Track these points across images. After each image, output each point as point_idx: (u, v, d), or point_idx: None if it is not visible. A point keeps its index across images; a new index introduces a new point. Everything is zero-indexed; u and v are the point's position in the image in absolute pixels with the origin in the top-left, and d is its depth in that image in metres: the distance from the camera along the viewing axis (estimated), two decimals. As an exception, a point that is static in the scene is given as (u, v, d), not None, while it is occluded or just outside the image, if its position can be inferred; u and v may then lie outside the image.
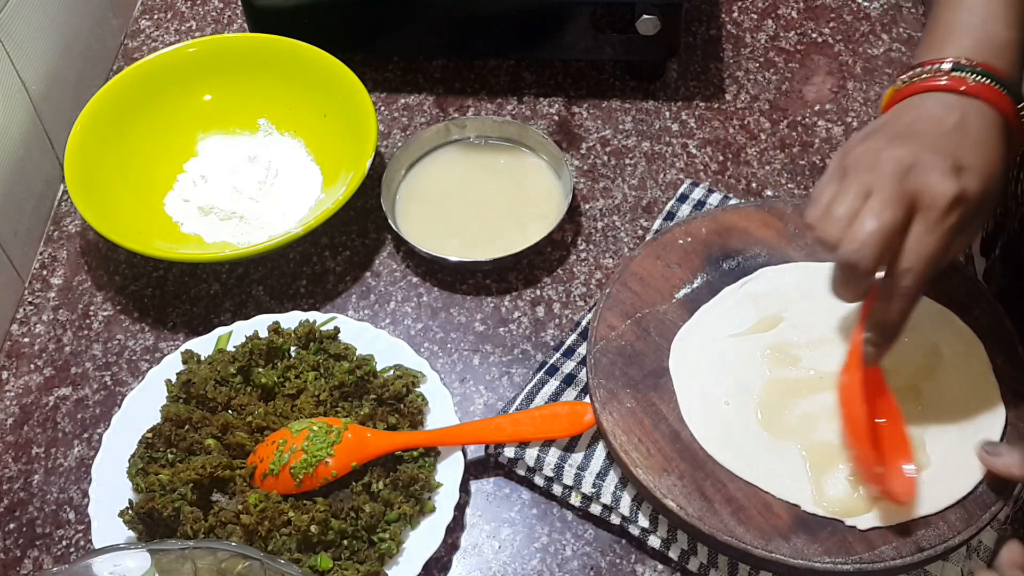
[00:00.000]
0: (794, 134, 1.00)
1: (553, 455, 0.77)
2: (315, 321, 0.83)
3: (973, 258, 0.93)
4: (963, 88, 0.67)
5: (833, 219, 0.64)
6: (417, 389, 0.80)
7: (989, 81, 0.68)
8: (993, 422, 0.72)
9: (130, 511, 0.73)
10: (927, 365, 0.75)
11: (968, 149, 0.65)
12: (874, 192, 0.64)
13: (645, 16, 0.96)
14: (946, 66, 0.69)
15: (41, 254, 0.95)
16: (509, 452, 0.77)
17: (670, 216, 0.91)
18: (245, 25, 1.07)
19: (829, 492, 0.70)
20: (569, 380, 0.81)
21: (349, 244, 0.94)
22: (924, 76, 0.69)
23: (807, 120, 1.02)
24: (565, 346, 0.83)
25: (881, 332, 0.67)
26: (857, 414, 0.68)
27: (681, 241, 0.84)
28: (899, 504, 0.68)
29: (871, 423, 0.69)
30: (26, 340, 0.89)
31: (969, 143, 0.66)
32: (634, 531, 0.75)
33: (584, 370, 0.80)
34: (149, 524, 0.72)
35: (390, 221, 0.91)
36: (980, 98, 0.67)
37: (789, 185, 0.97)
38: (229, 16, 1.13)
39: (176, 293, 0.91)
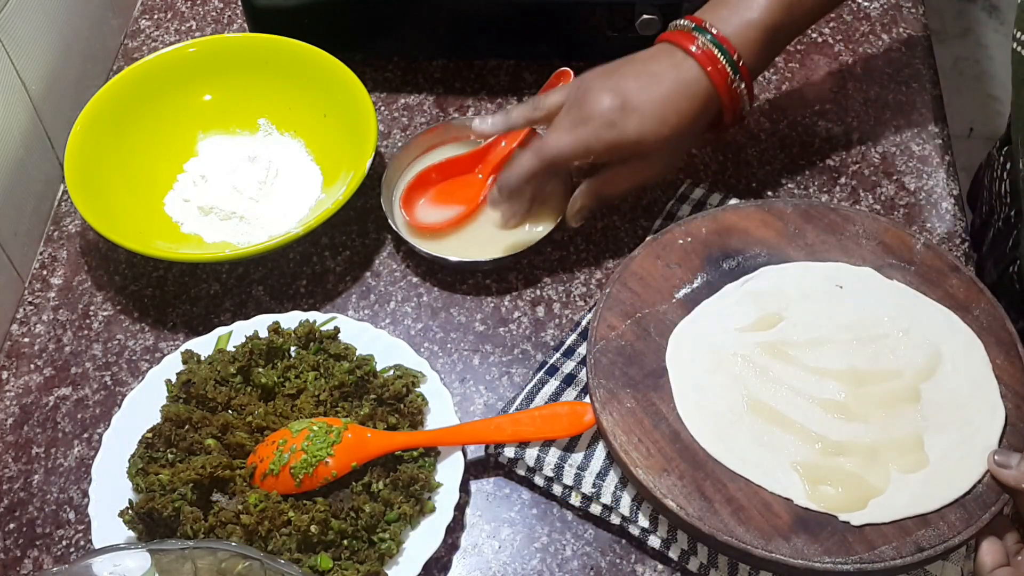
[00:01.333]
0: (794, 134, 1.00)
1: (553, 455, 0.77)
2: (315, 321, 0.83)
3: (973, 257, 0.93)
4: (689, 47, 0.80)
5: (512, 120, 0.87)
6: (417, 389, 0.80)
7: (714, 49, 0.80)
8: (993, 422, 0.72)
9: (130, 511, 0.73)
10: (927, 365, 0.75)
11: (646, 95, 0.79)
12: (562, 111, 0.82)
13: (645, 16, 0.96)
14: (691, 24, 0.82)
15: (41, 254, 0.95)
16: (509, 452, 0.77)
17: (670, 216, 0.92)
18: (245, 25, 1.07)
19: (823, 487, 0.70)
20: (569, 380, 0.81)
21: (349, 244, 0.94)
22: (677, 28, 0.83)
23: (807, 120, 1.02)
24: (565, 346, 0.83)
25: (500, 188, 0.85)
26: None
27: (681, 241, 0.84)
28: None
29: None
30: (26, 340, 0.89)
31: (653, 91, 0.80)
32: (634, 531, 0.75)
33: (584, 370, 0.80)
34: (149, 524, 0.72)
35: (390, 221, 0.91)
36: (699, 62, 0.80)
37: (789, 185, 0.97)
38: (229, 16, 1.13)
39: (176, 293, 0.91)
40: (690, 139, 0.85)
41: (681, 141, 0.83)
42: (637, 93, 0.80)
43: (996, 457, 0.69)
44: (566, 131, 0.81)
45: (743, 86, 0.81)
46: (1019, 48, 0.78)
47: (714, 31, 0.81)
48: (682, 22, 0.83)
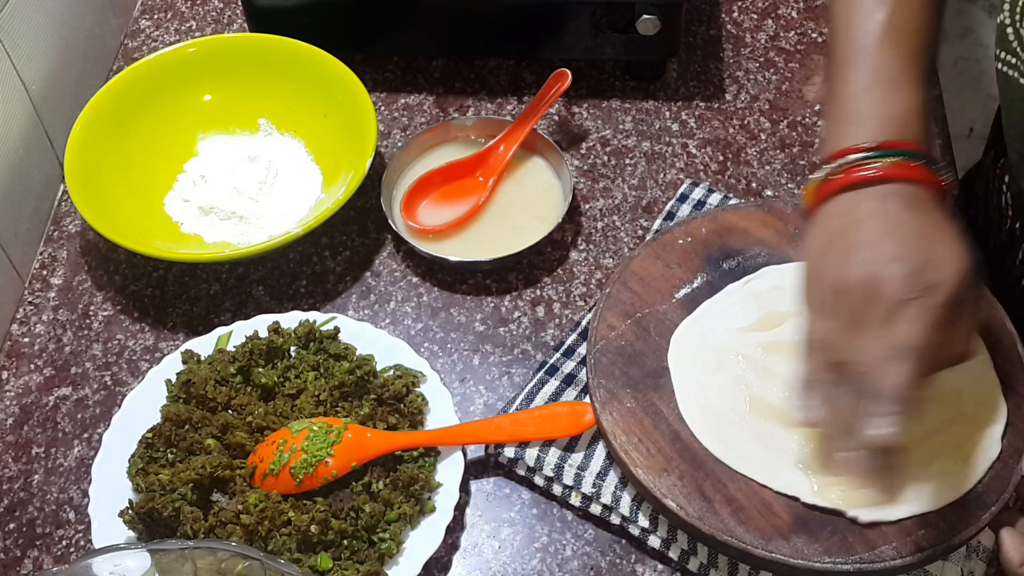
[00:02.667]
0: (794, 134, 1.00)
1: (553, 455, 0.77)
2: (315, 321, 0.83)
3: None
4: (884, 174, 0.66)
5: (841, 361, 0.64)
6: (417, 389, 0.80)
7: (904, 159, 0.66)
8: (995, 420, 0.72)
9: (130, 511, 0.73)
10: None
11: (916, 243, 0.64)
12: (864, 322, 0.63)
13: (645, 16, 0.96)
14: (857, 155, 0.67)
15: (41, 254, 0.95)
16: (509, 452, 0.77)
17: (670, 216, 0.92)
18: (245, 25, 1.07)
19: (830, 485, 0.70)
20: (569, 380, 0.81)
21: (349, 244, 0.94)
22: (839, 170, 0.67)
23: (807, 120, 1.02)
24: (565, 346, 0.83)
25: (892, 399, 0.62)
26: None
27: (681, 241, 0.84)
28: None
29: None
30: (26, 340, 0.89)
31: (913, 238, 0.64)
32: (634, 531, 0.75)
33: (584, 370, 0.80)
34: (149, 524, 0.72)
35: (390, 221, 0.91)
36: (902, 180, 0.66)
37: (789, 185, 0.97)
38: (229, 16, 1.13)
39: (176, 293, 0.91)
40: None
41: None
42: (906, 246, 0.64)
43: None
44: (909, 322, 0.62)
45: (937, 166, 0.68)
46: (1004, 68, 0.77)
47: (879, 142, 0.67)
48: (841, 161, 0.68)
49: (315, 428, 0.75)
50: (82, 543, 0.78)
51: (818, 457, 0.71)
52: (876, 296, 0.63)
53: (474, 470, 0.80)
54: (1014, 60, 0.75)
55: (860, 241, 0.65)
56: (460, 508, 0.77)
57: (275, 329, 0.83)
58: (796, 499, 0.70)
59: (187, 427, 0.76)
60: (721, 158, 0.99)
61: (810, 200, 0.69)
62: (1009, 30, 0.75)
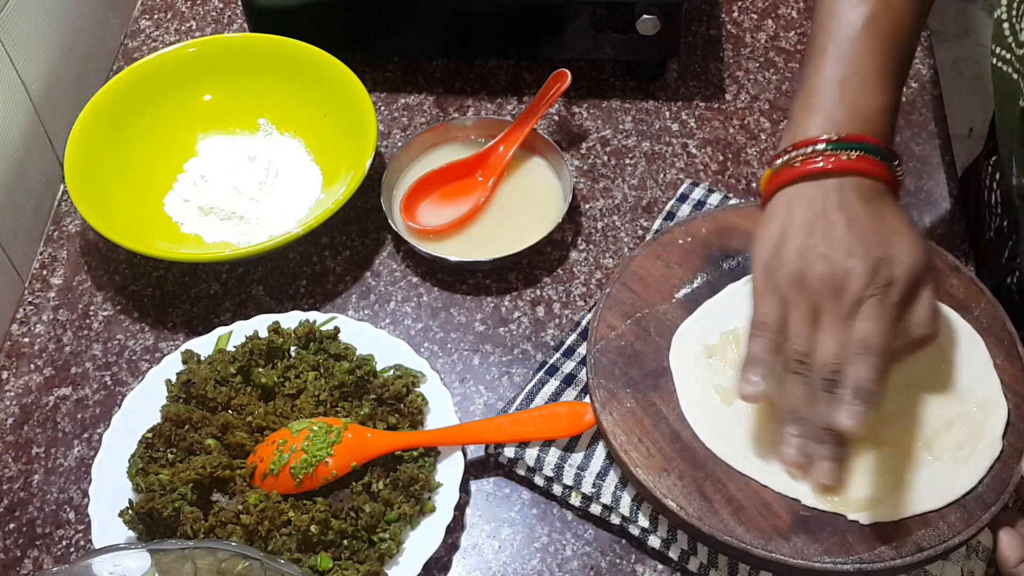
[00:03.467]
0: (794, 134, 1.00)
1: (553, 455, 0.77)
2: (315, 321, 0.83)
3: (974, 259, 0.93)
4: (843, 167, 0.68)
5: (799, 352, 0.66)
6: (417, 389, 0.80)
7: (863, 152, 0.68)
8: (995, 420, 0.72)
9: (130, 511, 0.73)
10: (929, 364, 0.75)
11: (874, 238, 0.67)
12: (822, 316, 0.66)
13: (645, 16, 0.96)
14: (820, 146, 0.69)
15: (41, 254, 0.95)
16: (509, 452, 0.77)
17: (670, 216, 0.92)
18: (245, 25, 1.07)
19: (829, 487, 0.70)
20: (569, 380, 0.81)
21: (349, 244, 0.94)
22: (799, 159, 0.69)
23: (807, 120, 1.01)
24: (565, 346, 0.83)
25: (860, 395, 0.65)
26: None
27: (681, 241, 0.84)
28: None
29: None
30: (26, 340, 0.89)
31: (871, 232, 0.67)
32: (634, 531, 0.75)
33: (584, 370, 0.80)
34: (149, 524, 0.72)
35: (390, 221, 0.91)
36: (861, 173, 0.68)
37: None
38: (229, 16, 1.13)
39: (176, 293, 0.91)
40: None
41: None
42: (864, 240, 0.66)
43: None
44: (868, 320, 0.65)
45: (895, 164, 0.71)
46: (999, 64, 0.77)
47: (842, 135, 0.69)
48: (803, 150, 0.69)
49: (315, 428, 0.75)
50: (82, 543, 0.78)
51: (764, 439, 0.71)
52: (838, 291, 0.65)
53: (474, 470, 0.80)
54: (1008, 55, 0.75)
55: (821, 234, 0.67)
56: (460, 508, 0.77)
57: (275, 329, 0.83)
58: (797, 500, 0.70)
59: (187, 427, 0.76)
60: (721, 158, 0.99)
61: (768, 186, 0.72)
62: (1005, 25, 0.75)
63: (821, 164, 0.68)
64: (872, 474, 0.70)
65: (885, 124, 0.70)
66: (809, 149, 0.69)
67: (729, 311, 0.79)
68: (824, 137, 0.69)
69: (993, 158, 0.93)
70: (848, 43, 0.71)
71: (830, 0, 0.72)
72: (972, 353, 0.76)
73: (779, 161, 0.71)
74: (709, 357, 0.76)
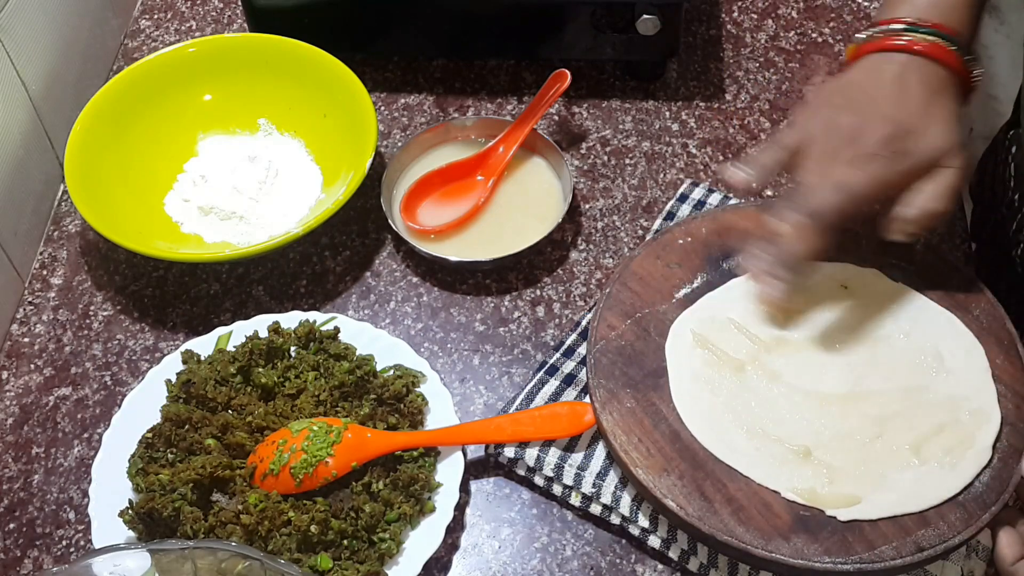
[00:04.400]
0: (794, 134, 1.00)
1: (553, 455, 0.77)
2: (315, 321, 0.83)
3: (973, 256, 0.93)
4: (914, 48, 0.73)
5: (807, 183, 0.73)
6: (417, 389, 0.80)
7: (937, 39, 0.73)
8: (988, 427, 0.72)
9: (130, 511, 0.73)
10: (925, 367, 0.75)
11: (913, 113, 0.72)
12: (834, 155, 0.72)
13: (645, 16, 0.96)
14: (898, 26, 0.75)
15: (41, 254, 0.95)
16: (509, 452, 0.77)
17: (670, 216, 0.92)
18: (245, 25, 1.07)
19: (810, 482, 0.70)
20: (569, 380, 0.81)
21: (349, 244, 0.94)
22: (878, 35, 0.75)
23: (807, 120, 1.02)
24: (565, 346, 0.83)
25: (808, 214, 0.72)
26: None
27: (681, 241, 0.84)
28: None
29: None
30: (26, 340, 0.89)
31: (913, 108, 0.72)
32: (634, 531, 0.75)
33: (584, 370, 0.80)
34: (149, 524, 0.72)
35: (390, 221, 0.91)
36: (929, 56, 0.73)
37: (789, 185, 0.96)
38: (229, 16, 1.13)
39: (176, 293, 0.91)
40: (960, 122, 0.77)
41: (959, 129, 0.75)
42: (903, 111, 0.72)
43: None
44: (857, 167, 0.71)
45: (968, 56, 0.75)
46: None
47: (921, 20, 0.74)
48: (883, 28, 0.75)
49: (315, 428, 0.75)
50: (82, 543, 0.78)
51: (802, 454, 0.72)
52: (853, 141, 0.71)
53: (474, 470, 0.80)
54: None
55: (868, 95, 0.73)
56: (460, 508, 0.77)
57: (275, 329, 0.83)
58: (777, 493, 0.70)
59: (187, 427, 0.76)
60: (721, 158, 0.99)
61: (848, 56, 0.78)
62: None
63: (896, 42, 0.74)
64: (855, 472, 0.70)
65: (965, 15, 0.75)
66: (888, 28, 0.75)
67: (735, 303, 0.79)
68: (904, 19, 0.74)
69: (1012, 132, 0.94)
70: None
71: None
72: (970, 361, 0.76)
73: (860, 35, 0.77)
74: (702, 348, 0.77)
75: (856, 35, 0.78)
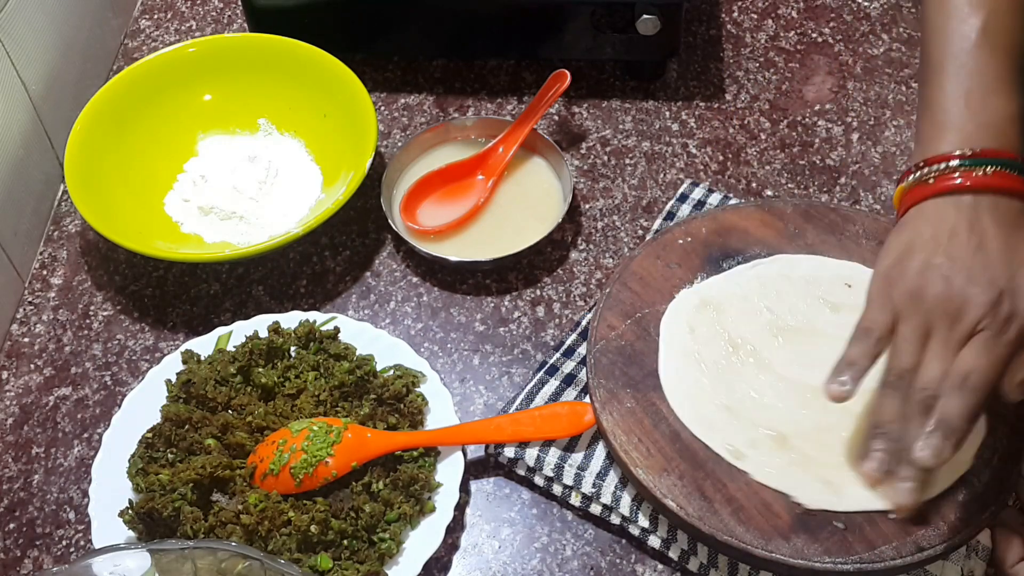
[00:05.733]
0: (794, 134, 1.00)
1: (553, 455, 0.77)
2: (315, 321, 0.83)
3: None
4: (978, 184, 0.66)
5: (902, 368, 0.65)
6: (417, 389, 0.80)
7: (1000, 168, 0.66)
8: (970, 441, 0.71)
9: (130, 511, 0.73)
10: None
11: (1001, 265, 0.65)
12: (932, 337, 0.65)
13: (645, 16, 0.96)
14: (953, 163, 0.67)
15: (41, 254, 0.95)
16: (509, 452, 0.77)
17: (670, 216, 0.92)
18: (245, 25, 1.07)
19: (785, 467, 0.71)
20: (569, 380, 0.81)
21: (349, 244, 0.94)
22: (933, 175, 0.68)
23: (807, 120, 1.02)
24: (565, 346, 0.83)
25: (944, 429, 0.64)
26: None
27: (681, 241, 0.84)
28: None
29: None
30: (26, 340, 0.89)
31: (998, 259, 0.65)
32: (634, 531, 0.75)
33: (584, 370, 0.80)
34: (149, 524, 0.72)
35: (390, 221, 0.91)
36: (997, 191, 0.66)
37: (789, 185, 0.96)
38: (229, 16, 1.13)
39: (176, 293, 0.91)
40: None
41: None
42: (992, 267, 0.65)
43: None
44: (977, 351, 0.64)
45: None
46: None
47: (976, 150, 0.67)
48: (935, 167, 0.68)
49: (315, 428, 0.75)
50: (82, 543, 0.78)
51: (777, 440, 0.72)
52: (954, 315, 0.64)
53: (474, 470, 0.80)
54: None
55: (946, 253, 0.65)
56: (460, 508, 0.77)
57: (275, 329, 0.83)
58: (745, 473, 0.70)
59: (187, 427, 0.76)
60: (721, 158, 0.99)
61: (902, 203, 0.70)
62: None
63: (957, 181, 0.66)
64: (829, 463, 0.71)
65: (1016, 133, 0.68)
66: (943, 166, 0.67)
67: (735, 292, 0.79)
68: (958, 153, 0.67)
69: None
70: (966, 56, 0.69)
71: (939, 18, 0.71)
72: None
73: (912, 177, 0.69)
74: (698, 325, 0.77)
75: (906, 178, 0.70)
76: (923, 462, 0.64)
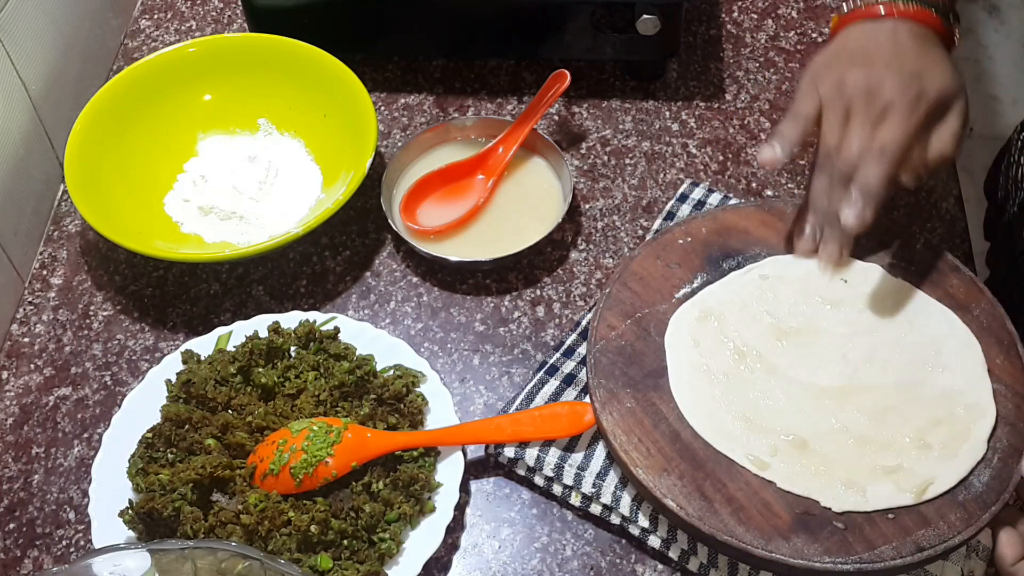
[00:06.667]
0: (794, 134, 1.00)
1: (553, 455, 0.77)
2: (315, 321, 0.83)
3: (973, 259, 0.93)
4: (898, 13, 0.78)
5: (828, 147, 0.76)
6: (417, 389, 0.80)
7: (919, 5, 0.78)
8: (982, 424, 0.72)
9: (130, 511, 0.73)
10: (921, 363, 0.76)
11: (914, 61, 0.76)
12: (852, 117, 0.75)
13: (645, 16, 0.96)
14: None
15: (41, 254, 0.95)
16: (509, 452, 0.77)
17: (670, 216, 0.92)
18: (245, 25, 1.07)
19: (805, 472, 0.70)
20: (569, 380, 0.81)
21: (349, 244, 0.94)
22: (861, 5, 0.80)
23: (807, 120, 1.02)
24: (565, 346, 0.83)
25: (864, 194, 0.73)
26: None
27: (681, 241, 0.84)
28: None
29: None
30: (26, 340, 0.89)
31: (912, 57, 0.76)
32: (634, 531, 0.75)
33: (584, 370, 0.80)
34: (149, 524, 0.72)
35: (390, 221, 0.91)
36: (912, 20, 0.77)
37: (789, 185, 0.97)
38: (229, 16, 1.13)
39: (176, 293, 0.91)
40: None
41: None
42: (905, 61, 0.76)
43: None
44: (891, 125, 0.74)
45: (947, 17, 0.80)
46: None
47: None
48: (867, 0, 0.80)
49: (315, 428, 0.75)
50: (82, 543, 0.78)
51: (796, 444, 0.72)
52: (870, 96, 0.74)
53: (474, 470, 0.80)
54: None
55: (866, 54, 0.77)
56: (460, 508, 0.77)
57: (275, 329, 0.83)
58: (772, 483, 0.70)
59: (187, 427, 0.76)
60: (721, 158, 0.99)
61: (833, 26, 0.82)
62: None
63: (882, 11, 0.78)
64: (850, 464, 0.71)
65: None
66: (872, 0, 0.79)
67: (733, 296, 0.79)
68: None
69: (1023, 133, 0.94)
70: None
71: None
72: (967, 357, 0.76)
73: (845, 6, 0.81)
74: (702, 339, 0.77)
75: (840, 6, 0.81)
76: (848, 222, 0.73)
